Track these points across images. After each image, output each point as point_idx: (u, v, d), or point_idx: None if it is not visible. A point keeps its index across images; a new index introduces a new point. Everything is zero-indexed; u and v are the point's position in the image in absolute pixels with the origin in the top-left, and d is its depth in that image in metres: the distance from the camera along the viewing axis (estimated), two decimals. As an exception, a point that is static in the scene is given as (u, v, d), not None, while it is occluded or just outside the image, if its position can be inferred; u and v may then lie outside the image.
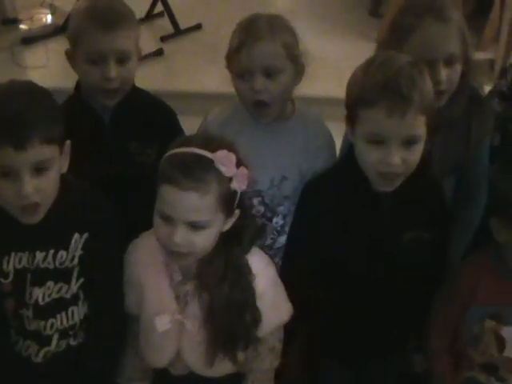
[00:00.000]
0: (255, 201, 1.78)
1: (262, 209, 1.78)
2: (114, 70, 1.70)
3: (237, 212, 1.44)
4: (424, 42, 1.65)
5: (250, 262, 1.48)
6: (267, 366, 1.59)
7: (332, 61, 3.23)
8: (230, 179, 1.38)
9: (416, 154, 1.46)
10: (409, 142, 1.43)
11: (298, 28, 1.75)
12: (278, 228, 1.79)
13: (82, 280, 1.53)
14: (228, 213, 1.42)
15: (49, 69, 3.28)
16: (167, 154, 1.40)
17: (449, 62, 1.65)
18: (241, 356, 1.54)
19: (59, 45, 3.51)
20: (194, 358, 1.53)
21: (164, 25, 3.71)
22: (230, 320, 1.46)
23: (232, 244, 1.46)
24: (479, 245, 1.72)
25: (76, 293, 1.54)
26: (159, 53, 3.45)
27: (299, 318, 1.60)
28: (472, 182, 1.82)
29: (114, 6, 1.73)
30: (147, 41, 3.65)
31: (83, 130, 1.75)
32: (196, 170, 1.34)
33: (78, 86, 1.81)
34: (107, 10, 1.70)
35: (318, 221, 1.56)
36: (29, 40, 3.53)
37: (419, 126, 1.43)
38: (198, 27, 3.68)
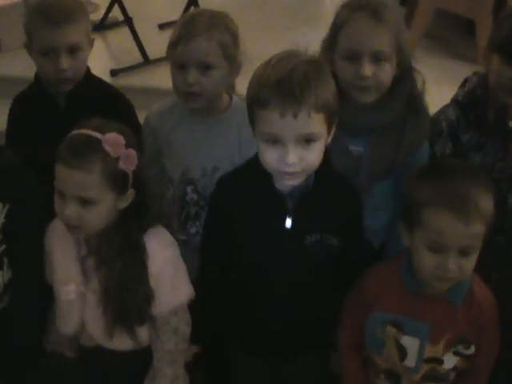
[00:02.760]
0: (189, 189, 1.85)
1: (195, 196, 1.85)
2: (65, 62, 1.83)
3: (131, 191, 1.52)
4: (352, 34, 1.69)
5: (147, 242, 1.54)
6: (171, 347, 1.63)
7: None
8: (118, 160, 1.46)
9: (315, 152, 1.44)
10: (306, 141, 1.41)
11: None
12: (212, 216, 1.85)
13: (4, 246, 1.64)
14: (119, 191, 1.49)
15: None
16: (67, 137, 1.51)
17: (375, 59, 1.67)
18: (143, 332, 1.61)
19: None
20: (96, 330, 1.61)
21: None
22: (123, 295, 1.53)
23: (130, 222, 1.54)
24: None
25: (-1, 258, 1.65)
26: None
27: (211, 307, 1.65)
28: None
29: (63, 1, 1.84)
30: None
31: (41, 114, 1.91)
32: (82, 150, 1.45)
33: (37, 73, 1.94)
34: (56, 6, 1.81)
35: (226, 215, 1.58)
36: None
37: (316, 125, 1.41)
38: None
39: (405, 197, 1.55)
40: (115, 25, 3.75)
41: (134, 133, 1.85)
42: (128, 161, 1.47)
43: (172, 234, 1.82)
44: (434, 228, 1.44)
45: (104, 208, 1.48)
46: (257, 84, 1.43)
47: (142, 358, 1.67)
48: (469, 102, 1.85)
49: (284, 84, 1.37)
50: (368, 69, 1.66)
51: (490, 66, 1.80)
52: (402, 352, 1.57)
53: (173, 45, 1.79)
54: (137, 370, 1.68)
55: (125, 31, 3.70)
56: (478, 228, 1.44)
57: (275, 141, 1.42)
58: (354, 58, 1.68)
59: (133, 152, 1.48)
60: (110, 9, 3.67)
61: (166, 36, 1.81)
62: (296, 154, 1.41)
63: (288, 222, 1.53)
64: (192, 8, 3.78)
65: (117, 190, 1.49)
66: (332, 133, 1.49)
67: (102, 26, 3.72)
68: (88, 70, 1.96)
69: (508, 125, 1.82)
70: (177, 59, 1.78)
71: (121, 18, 3.77)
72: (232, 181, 1.61)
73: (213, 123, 1.83)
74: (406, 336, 1.56)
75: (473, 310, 1.55)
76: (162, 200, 1.76)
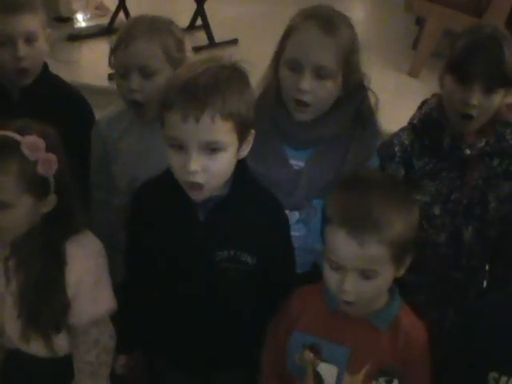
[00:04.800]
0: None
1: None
2: (23, 50, 1.82)
3: (52, 197, 1.49)
4: (298, 44, 1.62)
5: (69, 249, 1.51)
6: (91, 359, 1.60)
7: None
8: (36, 163, 1.43)
9: (220, 163, 1.35)
10: (211, 149, 1.33)
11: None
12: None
13: None
14: (38, 196, 1.47)
15: (78, 65, 3.49)
16: None
17: (318, 74, 1.60)
18: (60, 341, 1.58)
19: (98, 44, 3.76)
20: (13, 332, 1.58)
21: (204, 37, 3.82)
22: (37, 300, 1.50)
23: (53, 227, 1.51)
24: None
25: None
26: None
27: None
28: None
29: None
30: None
31: None
32: None
33: None
34: None
35: (141, 224, 1.53)
36: (74, 37, 3.76)
37: (221, 133, 1.32)
38: (234, 42, 3.75)
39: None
40: (123, 30, 3.76)
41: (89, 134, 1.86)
42: (46, 165, 1.43)
43: (117, 244, 1.80)
44: (331, 246, 1.37)
45: (21, 212, 1.45)
46: (167, 85, 1.39)
47: (64, 368, 1.63)
48: (424, 126, 1.76)
49: (190, 85, 1.31)
50: (307, 83, 1.59)
51: (443, 88, 1.72)
52: (319, 381, 1.49)
53: (113, 51, 1.76)
54: (58, 379, 1.65)
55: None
56: (376, 251, 1.32)
57: (179, 147, 1.35)
58: (297, 68, 1.61)
59: (52, 156, 1.44)
60: (116, 13, 3.70)
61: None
62: (198, 162, 1.33)
63: (199, 235, 1.46)
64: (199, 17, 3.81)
65: (35, 194, 1.46)
66: (247, 146, 1.42)
67: (109, 29, 3.75)
68: (45, 65, 1.95)
69: (464, 152, 1.73)
70: (117, 65, 1.75)
71: (129, 22, 3.80)
72: (148, 189, 1.55)
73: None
74: (323, 363, 1.48)
75: (398, 339, 1.44)
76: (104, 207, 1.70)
